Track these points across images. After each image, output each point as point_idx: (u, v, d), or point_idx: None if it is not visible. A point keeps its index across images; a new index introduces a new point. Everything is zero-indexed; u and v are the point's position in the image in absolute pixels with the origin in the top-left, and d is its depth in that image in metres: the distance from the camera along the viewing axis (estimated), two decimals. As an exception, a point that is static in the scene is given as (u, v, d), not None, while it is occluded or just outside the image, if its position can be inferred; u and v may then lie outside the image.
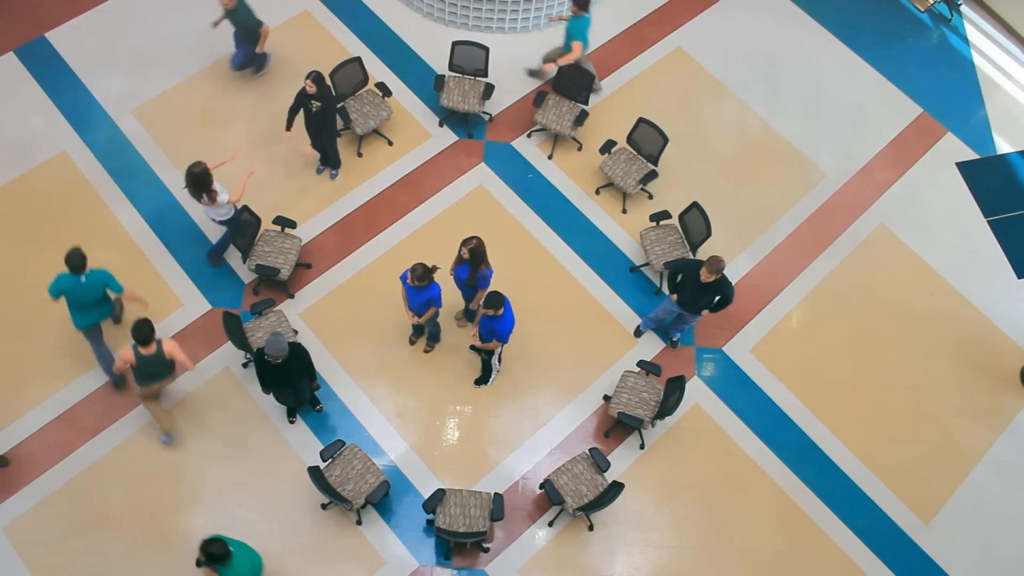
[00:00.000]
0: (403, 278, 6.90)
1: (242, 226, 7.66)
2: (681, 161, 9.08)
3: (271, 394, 6.96)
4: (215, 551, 5.61)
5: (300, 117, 8.10)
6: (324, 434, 7.44)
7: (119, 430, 7.32)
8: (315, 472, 6.67)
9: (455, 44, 8.83)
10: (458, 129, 9.17)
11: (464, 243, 6.88)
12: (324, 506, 7.13)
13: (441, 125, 9.18)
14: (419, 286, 6.69)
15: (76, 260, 6.61)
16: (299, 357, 6.63)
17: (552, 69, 8.82)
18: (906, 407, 8.00)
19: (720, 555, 7.21)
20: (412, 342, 7.89)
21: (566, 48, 8.62)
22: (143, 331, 6.39)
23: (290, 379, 6.71)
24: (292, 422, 7.46)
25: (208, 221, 8.35)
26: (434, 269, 6.70)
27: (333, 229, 8.46)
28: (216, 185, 7.25)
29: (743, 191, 9.04)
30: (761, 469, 7.59)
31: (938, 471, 7.72)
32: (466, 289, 7.40)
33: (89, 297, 6.83)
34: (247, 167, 7.55)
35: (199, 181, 7.14)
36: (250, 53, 8.88)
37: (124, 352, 6.53)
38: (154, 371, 6.70)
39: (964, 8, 10.83)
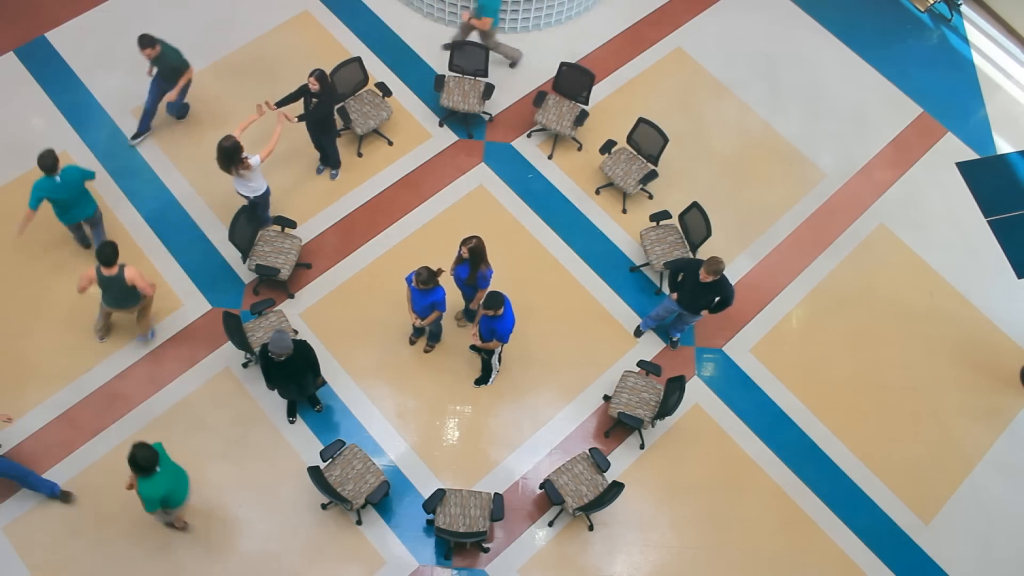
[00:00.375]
0: (409, 280, 6.90)
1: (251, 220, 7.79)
2: (681, 161, 9.08)
3: (275, 390, 6.97)
4: (140, 460, 5.67)
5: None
6: (324, 434, 7.44)
7: (119, 430, 7.32)
8: (315, 472, 6.67)
9: (455, 44, 8.82)
10: (458, 129, 9.17)
11: (464, 242, 6.88)
12: (324, 506, 7.13)
13: (441, 125, 9.18)
14: (424, 289, 6.70)
15: (48, 160, 6.96)
16: (303, 355, 6.64)
17: (466, 20, 8.92)
18: (906, 407, 8.00)
19: (720, 555, 7.21)
20: (412, 342, 7.89)
21: (478, 15, 8.85)
22: (106, 252, 6.68)
23: (294, 376, 6.72)
24: (292, 422, 7.46)
25: (209, 220, 8.36)
26: (439, 273, 6.71)
27: (333, 229, 8.46)
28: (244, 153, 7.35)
29: (743, 191, 9.04)
30: (761, 469, 7.59)
31: (938, 471, 7.72)
32: (466, 289, 7.40)
33: (69, 193, 7.19)
34: (278, 118, 7.63)
35: (230, 155, 7.22)
36: (172, 88, 8.31)
37: (88, 271, 6.84)
38: (117, 295, 6.95)
39: (964, 8, 10.83)
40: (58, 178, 7.09)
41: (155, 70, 8.20)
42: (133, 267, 6.91)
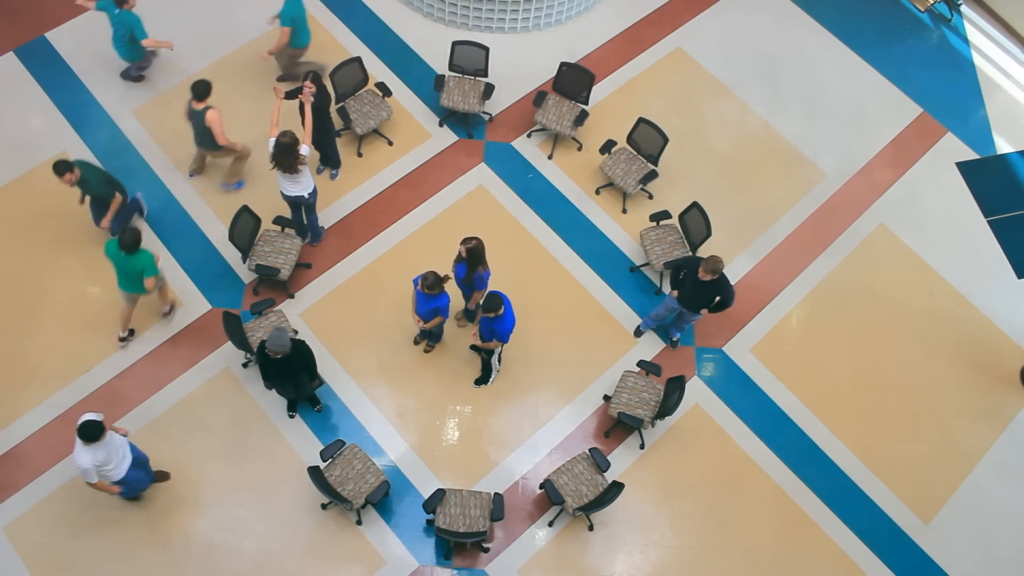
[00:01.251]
0: (416, 282, 6.90)
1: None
2: (681, 161, 9.08)
3: (272, 388, 6.96)
4: (126, 239, 6.69)
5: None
6: (324, 434, 7.44)
7: (119, 430, 7.33)
8: (315, 472, 6.67)
9: (455, 44, 8.83)
10: (458, 129, 9.17)
11: (464, 242, 6.87)
12: (324, 506, 7.13)
13: (441, 125, 9.18)
14: (429, 294, 6.70)
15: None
16: (301, 355, 6.63)
17: (269, 58, 8.68)
18: (906, 407, 8.00)
19: (720, 555, 7.21)
20: (417, 342, 7.89)
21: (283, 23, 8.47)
22: (200, 87, 7.52)
23: (292, 375, 6.72)
24: (292, 417, 7.47)
25: (209, 220, 8.35)
26: (445, 280, 6.73)
27: (333, 229, 8.46)
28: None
29: (743, 191, 9.04)
30: (761, 469, 7.59)
31: (938, 471, 7.72)
32: (464, 288, 7.40)
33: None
34: (304, 99, 7.50)
35: (292, 149, 7.08)
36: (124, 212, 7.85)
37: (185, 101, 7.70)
38: (199, 131, 7.85)
39: (964, 8, 10.83)
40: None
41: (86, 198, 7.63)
42: (216, 112, 7.63)
